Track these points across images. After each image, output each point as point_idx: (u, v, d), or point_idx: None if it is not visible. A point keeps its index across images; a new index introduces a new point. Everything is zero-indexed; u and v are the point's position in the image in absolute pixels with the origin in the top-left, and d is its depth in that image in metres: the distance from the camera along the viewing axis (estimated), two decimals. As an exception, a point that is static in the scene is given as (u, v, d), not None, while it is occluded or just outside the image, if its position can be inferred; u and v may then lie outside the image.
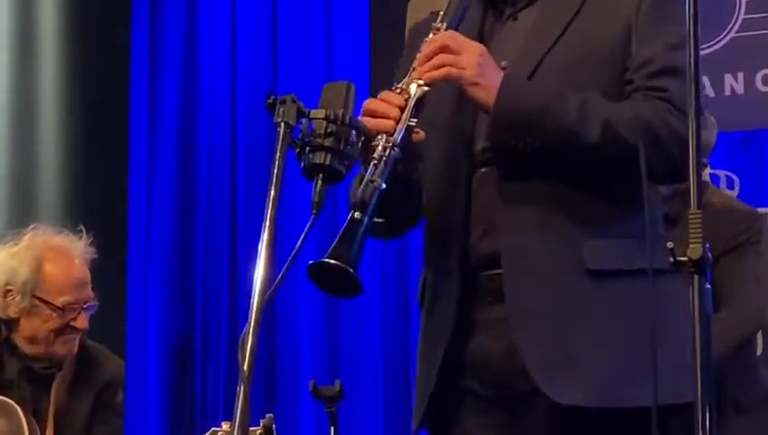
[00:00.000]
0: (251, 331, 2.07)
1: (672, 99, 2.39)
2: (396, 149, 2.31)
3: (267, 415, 3.53)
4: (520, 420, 2.45)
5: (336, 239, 2.26)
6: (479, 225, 2.45)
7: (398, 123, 2.35)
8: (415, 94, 2.37)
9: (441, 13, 2.46)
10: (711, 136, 4.31)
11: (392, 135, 2.33)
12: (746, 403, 4.13)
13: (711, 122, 4.33)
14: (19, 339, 3.93)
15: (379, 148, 2.31)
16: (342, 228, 2.28)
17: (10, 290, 3.92)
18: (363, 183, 2.29)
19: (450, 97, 2.46)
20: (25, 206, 5.65)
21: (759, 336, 4.86)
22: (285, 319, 6.07)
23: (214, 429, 3.70)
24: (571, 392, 2.35)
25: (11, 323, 3.93)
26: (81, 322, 3.92)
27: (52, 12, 6.06)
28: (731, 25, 5.57)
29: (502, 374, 2.44)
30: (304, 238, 2.17)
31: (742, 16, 5.56)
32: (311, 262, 2.25)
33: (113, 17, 6.32)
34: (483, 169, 2.46)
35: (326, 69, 6.23)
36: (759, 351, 4.94)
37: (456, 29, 2.45)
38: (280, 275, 2.12)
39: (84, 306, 3.93)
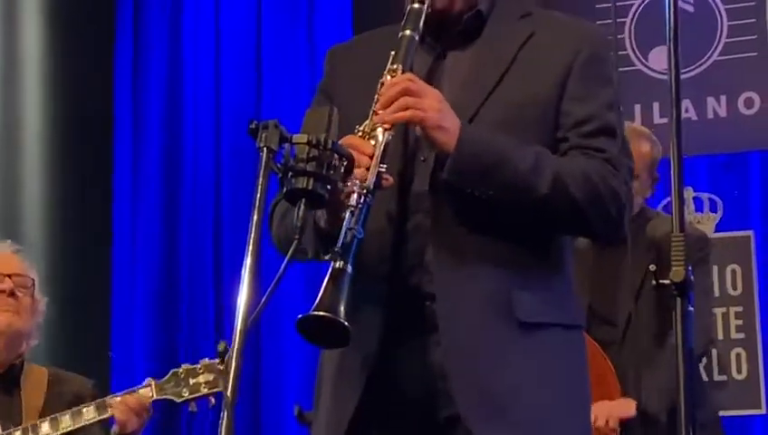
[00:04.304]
0: (234, 355, 2.07)
1: (611, 159, 2.45)
2: (370, 195, 2.33)
3: (221, 341, 3.53)
4: None
5: (322, 290, 2.25)
6: (410, 260, 2.45)
7: (368, 169, 2.35)
8: (384, 139, 2.38)
9: (393, 53, 2.45)
10: (657, 152, 4.54)
11: (365, 181, 2.33)
12: (703, 421, 4.24)
13: (654, 140, 4.57)
14: None
15: (354, 196, 2.32)
16: (326, 279, 2.27)
17: None
18: (343, 231, 2.29)
19: (393, 141, 2.44)
20: (8, 227, 5.64)
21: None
22: (270, 343, 6.06)
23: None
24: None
25: None
26: None
27: (35, 29, 6.07)
28: (713, 49, 5.60)
29: (428, 399, 2.44)
30: (287, 263, 2.17)
31: (724, 40, 5.59)
32: (300, 316, 2.24)
33: (97, 34, 6.33)
34: (418, 214, 2.46)
35: (310, 89, 6.23)
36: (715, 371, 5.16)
37: (410, 70, 2.45)
38: (263, 299, 2.12)
39: None
